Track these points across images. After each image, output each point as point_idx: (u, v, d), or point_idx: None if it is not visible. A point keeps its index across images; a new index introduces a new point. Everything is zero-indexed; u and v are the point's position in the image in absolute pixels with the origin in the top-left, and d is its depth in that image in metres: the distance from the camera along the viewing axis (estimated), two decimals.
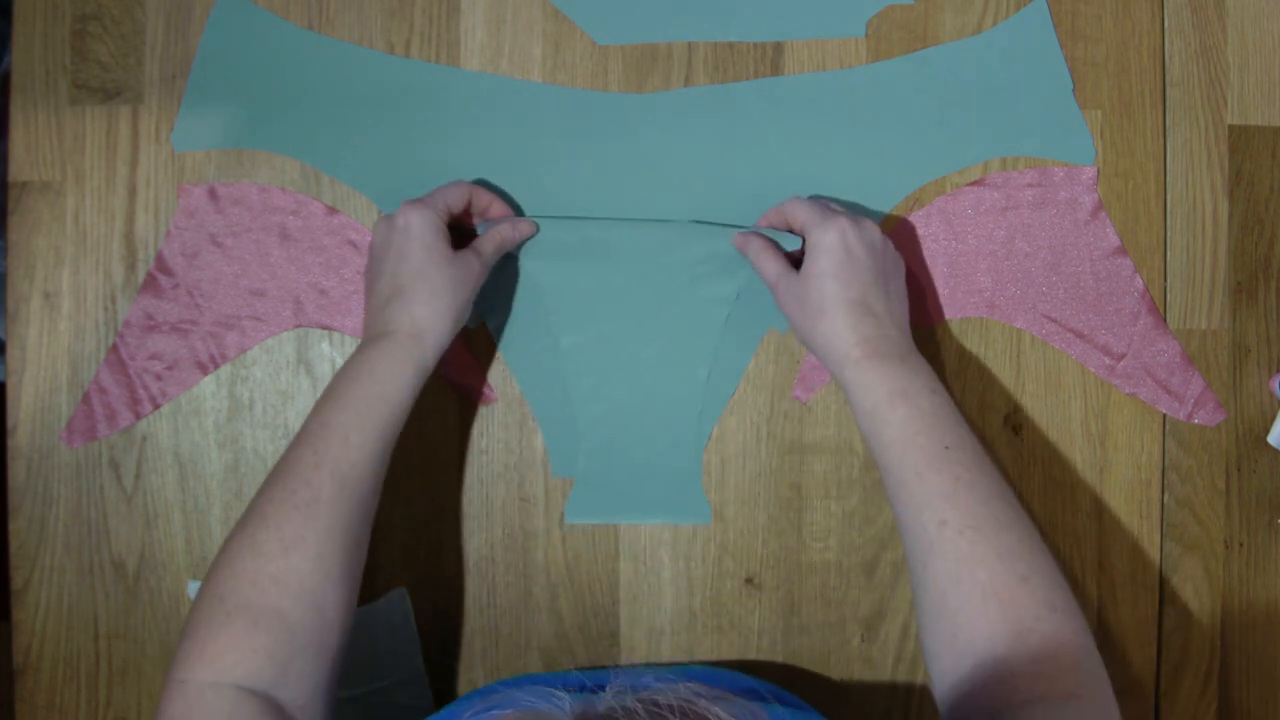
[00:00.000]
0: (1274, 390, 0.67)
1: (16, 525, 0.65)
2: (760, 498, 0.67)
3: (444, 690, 0.66)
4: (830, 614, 0.67)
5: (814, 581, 0.67)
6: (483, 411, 0.67)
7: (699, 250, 0.65)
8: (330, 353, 0.66)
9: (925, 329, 0.66)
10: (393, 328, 0.57)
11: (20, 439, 0.65)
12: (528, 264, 0.65)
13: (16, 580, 0.65)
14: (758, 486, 0.67)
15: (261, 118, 0.66)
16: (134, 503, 0.66)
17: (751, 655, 0.67)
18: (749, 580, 0.67)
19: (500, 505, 0.66)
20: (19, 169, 0.66)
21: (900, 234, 0.66)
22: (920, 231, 0.66)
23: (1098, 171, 0.66)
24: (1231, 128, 0.67)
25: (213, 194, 0.66)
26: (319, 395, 0.57)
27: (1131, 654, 0.67)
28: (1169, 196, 0.67)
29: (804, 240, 0.60)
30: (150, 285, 0.66)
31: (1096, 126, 0.67)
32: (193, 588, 0.65)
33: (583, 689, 0.39)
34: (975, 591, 0.50)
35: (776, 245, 0.62)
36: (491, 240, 0.62)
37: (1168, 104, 0.67)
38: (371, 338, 0.57)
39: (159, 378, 0.66)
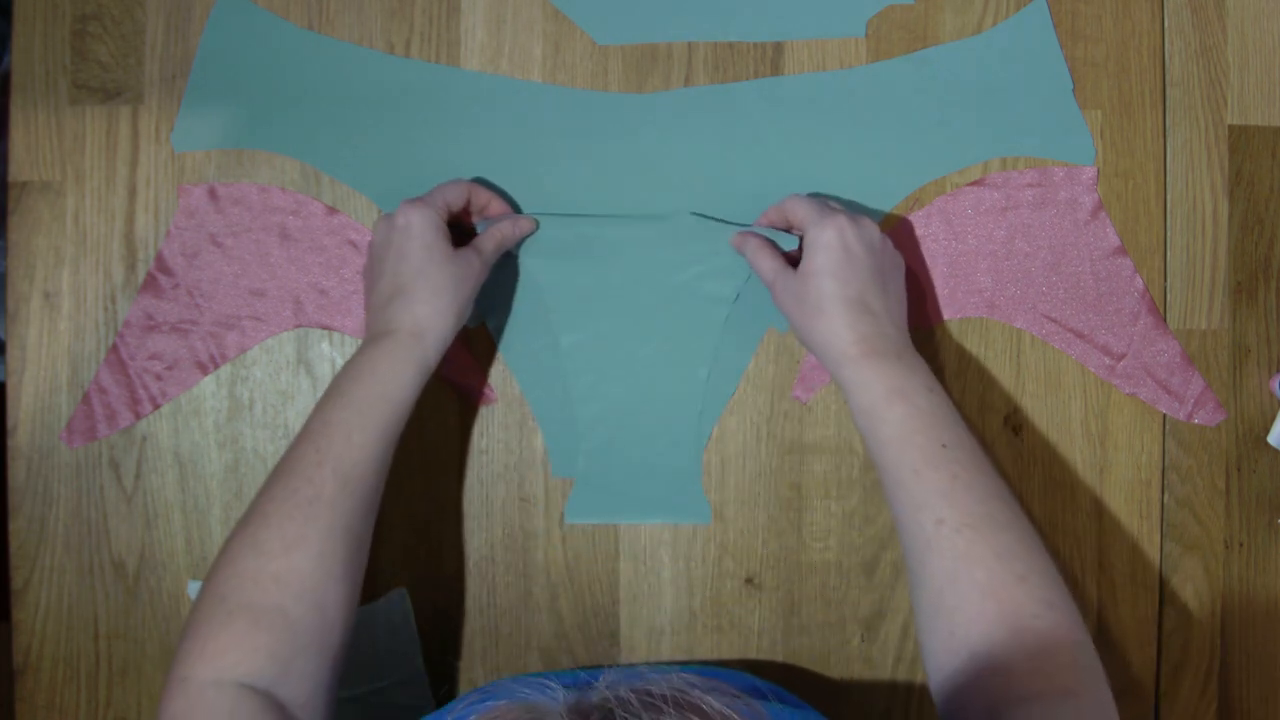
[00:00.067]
0: (1274, 390, 0.67)
1: (16, 525, 0.65)
2: (760, 498, 0.67)
3: (444, 690, 0.66)
4: (830, 614, 0.67)
5: (814, 581, 0.67)
6: (483, 411, 0.67)
7: (699, 249, 0.65)
8: (330, 353, 0.66)
9: (925, 329, 0.66)
10: (394, 326, 0.57)
11: (20, 439, 0.65)
12: (528, 262, 0.65)
13: (16, 580, 0.65)
14: (758, 486, 0.67)
15: (261, 118, 0.66)
16: (134, 503, 0.66)
17: (751, 655, 0.67)
18: (749, 580, 0.67)
19: (500, 505, 0.66)
20: (19, 169, 0.66)
21: (900, 234, 0.66)
22: (920, 231, 0.66)
23: (1098, 171, 0.66)
24: (1231, 128, 0.67)
25: (213, 194, 0.66)
26: (319, 395, 0.57)
27: (1131, 654, 0.67)
28: (1169, 196, 0.67)
29: (802, 239, 0.60)
30: (150, 285, 0.66)
31: (1096, 126, 0.67)
32: (193, 588, 0.65)
33: (578, 683, 0.40)
34: (973, 590, 0.50)
35: (774, 244, 0.62)
36: (492, 238, 0.62)
37: (1168, 104, 0.67)
38: (373, 337, 0.57)
39: (159, 378, 0.66)
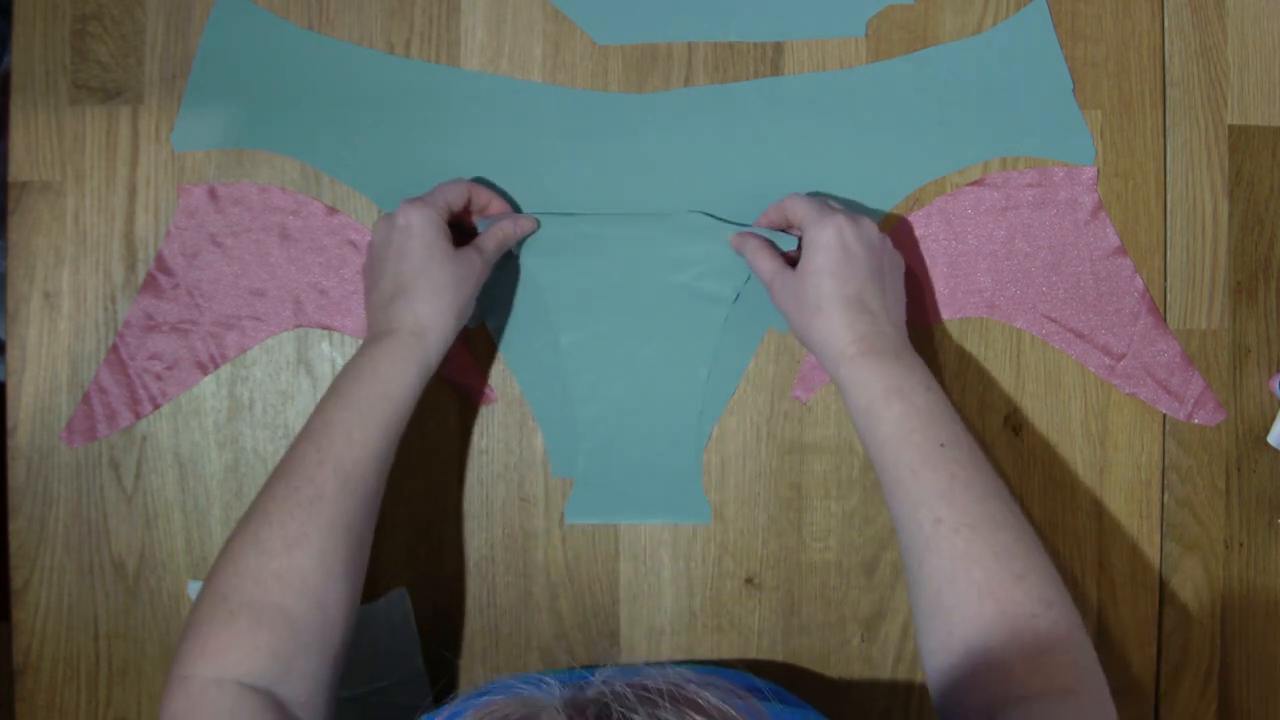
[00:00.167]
0: (1274, 390, 0.67)
1: (16, 525, 0.65)
2: (760, 498, 0.67)
3: (444, 690, 0.66)
4: (830, 614, 0.67)
5: (814, 581, 0.67)
6: (483, 411, 0.67)
7: (699, 249, 0.65)
8: (330, 353, 0.66)
9: (924, 329, 0.66)
10: (395, 326, 0.57)
11: (20, 439, 0.65)
12: (528, 261, 0.65)
13: (16, 580, 0.65)
14: (758, 486, 0.67)
15: (261, 118, 0.66)
16: (134, 503, 0.66)
17: (751, 655, 0.67)
18: (749, 580, 0.67)
19: (500, 505, 0.66)
20: (19, 169, 0.66)
21: (900, 233, 0.66)
22: (920, 231, 0.66)
23: (1098, 171, 0.66)
24: (1231, 128, 0.67)
25: (213, 194, 0.66)
26: (319, 395, 0.57)
27: (1131, 654, 0.67)
28: (1169, 196, 0.67)
29: (801, 238, 0.60)
30: (150, 285, 0.66)
31: (1096, 126, 0.67)
32: (193, 588, 0.65)
33: (574, 680, 0.40)
34: (971, 589, 0.50)
35: (773, 244, 0.62)
36: (493, 237, 0.62)
37: (1168, 104, 0.67)
38: (374, 336, 0.58)
39: (159, 378, 0.66)
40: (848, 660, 0.67)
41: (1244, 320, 0.67)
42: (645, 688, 0.37)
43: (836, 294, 0.57)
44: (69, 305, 0.66)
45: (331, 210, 0.66)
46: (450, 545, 0.66)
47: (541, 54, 0.67)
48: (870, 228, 0.59)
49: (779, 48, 0.67)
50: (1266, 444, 0.67)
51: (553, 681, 0.38)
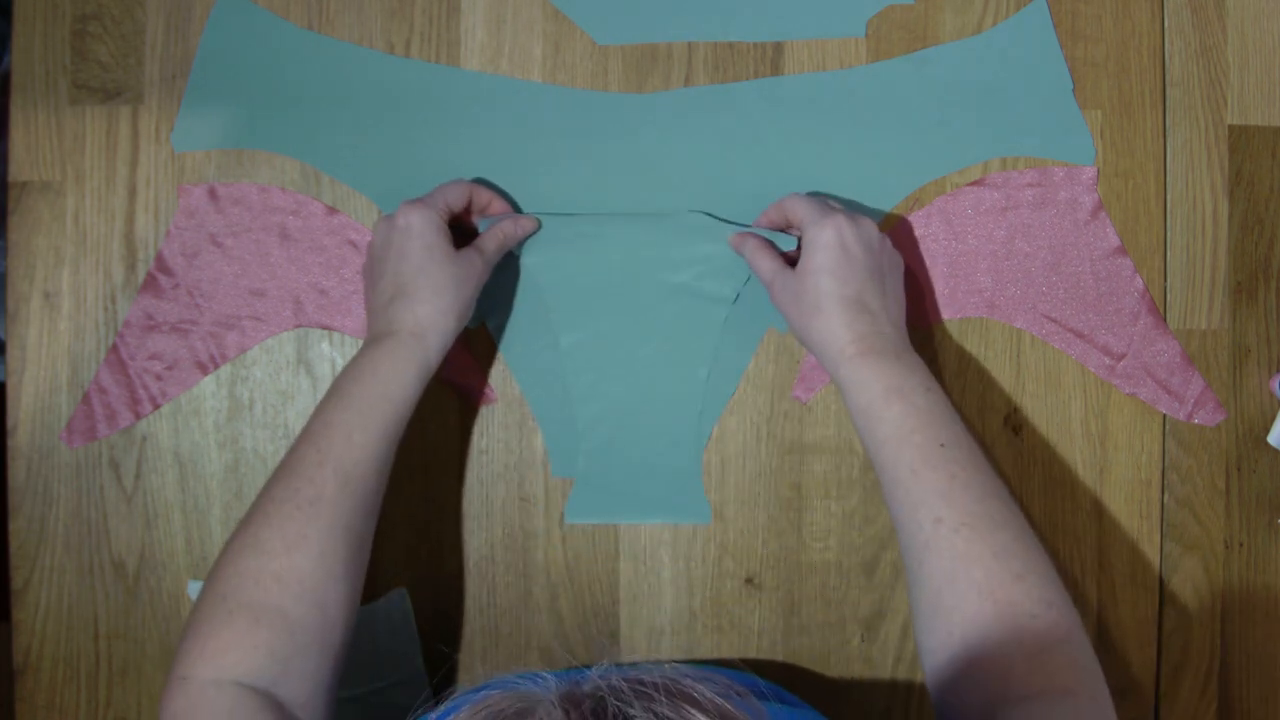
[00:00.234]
0: (1274, 390, 0.67)
1: (16, 525, 0.65)
2: (760, 498, 0.67)
3: (441, 685, 0.66)
4: (830, 614, 0.67)
5: (814, 581, 0.67)
6: (483, 411, 0.67)
7: (699, 249, 0.65)
8: (330, 353, 0.66)
9: (924, 329, 0.66)
10: (396, 327, 0.57)
11: (20, 439, 0.65)
12: (528, 261, 0.65)
13: (16, 580, 0.65)
14: (758, 486, 0.67)
15: (261, 118, 0.66)
16: (134, 503, 0.66)
17: (751, 655, 0.67)
18: (749, 580, 0.67)
19: (500, 505, 0.66)
20: (19, 169, 0.66)
21: (900, 233, 0.66)
22: (920, 231, 0.66)
23: (1098, 171, 0.66)
24: (1231, 128, 0.67)
25: (213, 194, 0.66)
26: (319, 395, 0.57)
27: (1131, 654, 0.67)
28: (1169, 196, 0.67)
29: (800, 238, 0.60)
30: (150, 285, 0.66)
31: (1096, 126, 0.67)
32: (193, 588, 0.65)
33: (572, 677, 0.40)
34: (971, 589, 0.50)
35: (772, 244, 0.62)
36: (494, 238, 0.62)
37: (1168, 104, 0.67)
38: (375, 337, 0.58)
39: (159, 378, 0.66)
40: (848, 660, 0.67)
41: (1244, 320, 0.67)
42: (642, 682, 0.37)
43: (836, 294, 0.57)
44: (69, 305, 0.66)
45: (331, 210, 0.66)
46: (450, 545, 0.66)
47: (541, 54, 0.67)
48: (870, 228, 0.59)
49: (779, 48, 0.67)
50: (1266, 444, 0.67)
51: (549, 677, 0.38)
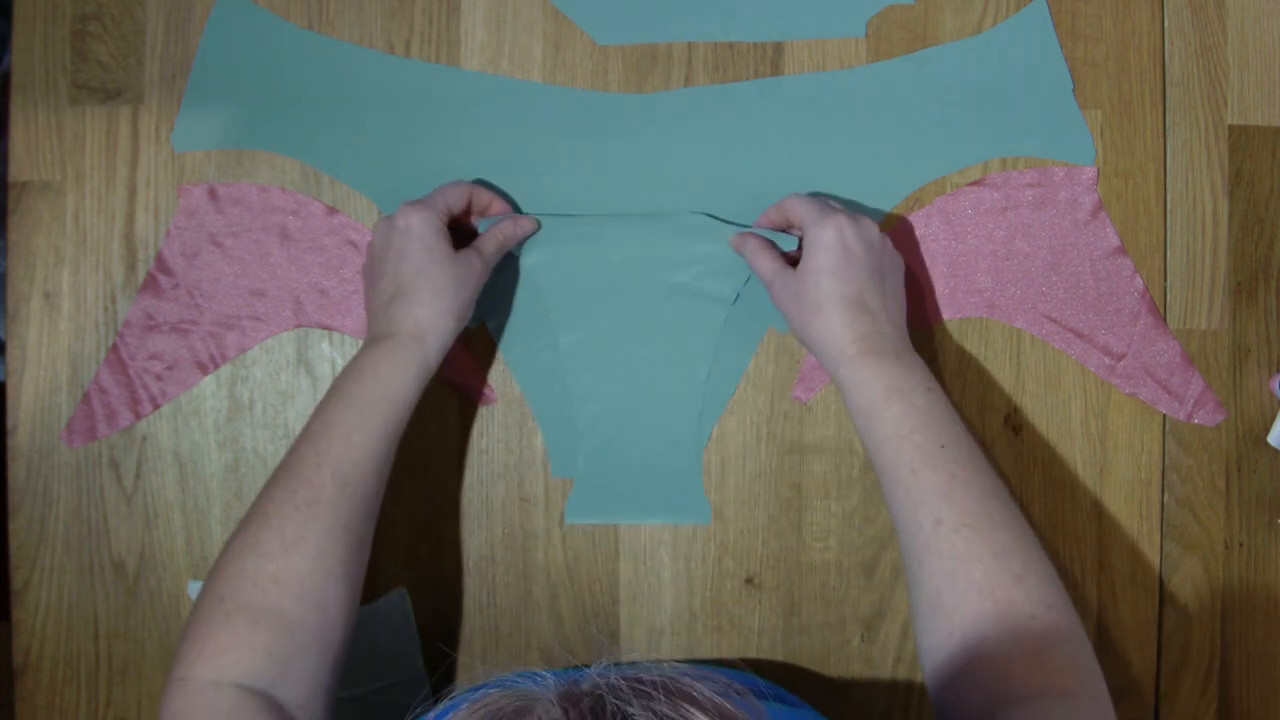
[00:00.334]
0: (1274, 390, 0.67)
1: (16, 525, 0.65)
2: (760, 498, 0.67)
3: (440, 683, 0.66)
4: (830, 614, 0.67)
5: (814, 581, 0.67)
6: (483, 411, 0.67)
7: (699, 249, 0.65)
8: (330, 353, 0.66)
9: (925, 329, 0.66)
10: (395, 328, 0.57)
11: (20, 439, 0.65)
12: (528, 261, 0.65)
13: (16, 580, 0.65)
14: (758, 486, 0.67)
15: (261, 118, 0.66)
16: (134, 503, 0.66)
17: (751, 655, 0.67)
18: (749, 580, 0.67)
19: (500, 505, 0.66)
20: (19, 169, 0.66)
21: (900, 233, 0.66)
22: (920, 231, 0.66)
23: (1098, 171, 0.66)
24: (1231, 128, 0.67)
25: (213, 194, 0.66)
26: (319, 395, 0.57)
27: (1131, 654, 0.67)
28: (1169, 196, 0.67)
29: (801, 238, 0.60)
30: (150, 285, 0.66)
31: (1096, 126, 0.67)
32: (193, 588, 0.65)
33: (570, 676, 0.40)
34: (970, 590, 0.50)
35: (773, 244, 0.62)
36: (493, 239, 0.62)
37: (1168, 104, 0.67)
38: (374, 338, 0.58)
39: (159, 378, 0.66)
40: (848, 660, 0.67)
41: (1244, 320, 0.67)
42: (640, 681, 0.37)
43: (836, 294, 0.57)
44: (69, 305, 0.66)
45: (331, 210, 0.66)
46: (450, 545, 0.66)
47: (541, 54, 0.67)
48: (870, 228, 0.59)
49: (779, 48, 0.67)
50: (1266, 444, 0.67)
51: (548, 676, 0.38)
